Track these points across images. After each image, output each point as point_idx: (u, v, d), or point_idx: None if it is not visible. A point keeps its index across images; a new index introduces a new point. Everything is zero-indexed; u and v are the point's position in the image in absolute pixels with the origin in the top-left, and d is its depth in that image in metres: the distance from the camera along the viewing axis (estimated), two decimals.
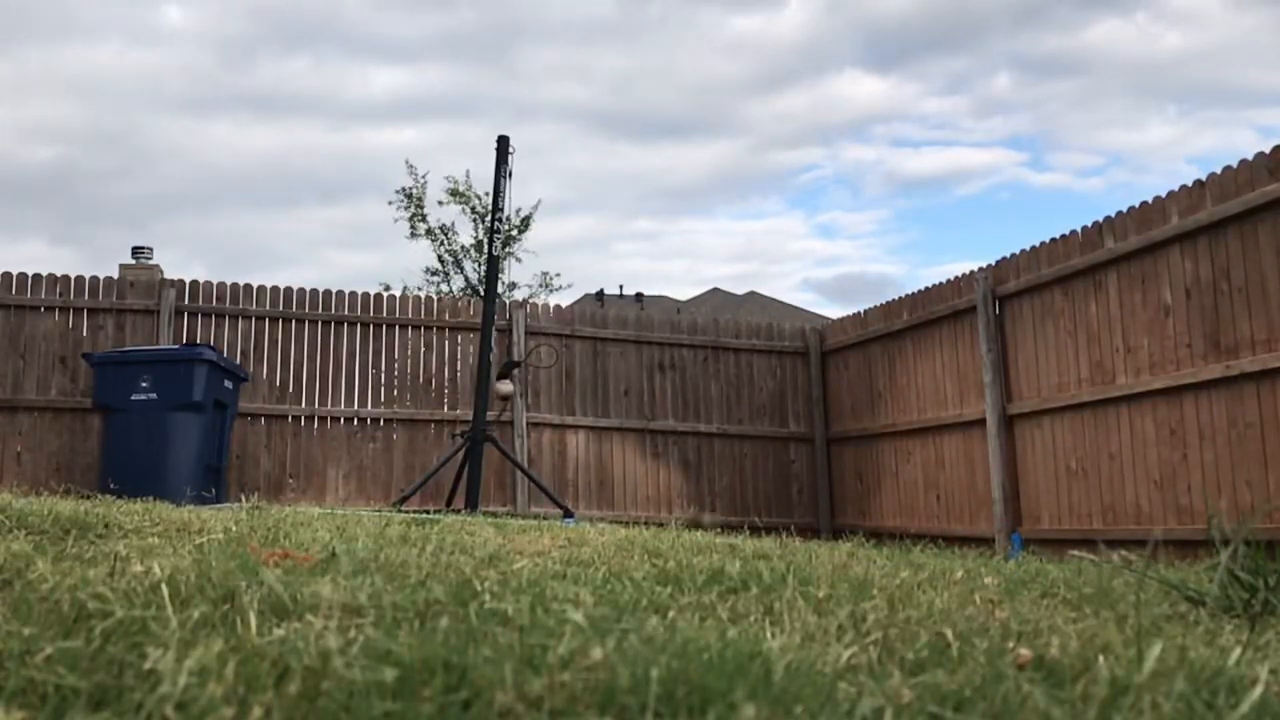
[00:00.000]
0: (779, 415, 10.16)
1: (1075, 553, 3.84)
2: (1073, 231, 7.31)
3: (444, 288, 22.48)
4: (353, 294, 9.14)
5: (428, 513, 5.83)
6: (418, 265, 35.71)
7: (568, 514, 7.33)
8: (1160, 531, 6.24)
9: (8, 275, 8.22)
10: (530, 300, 13.54)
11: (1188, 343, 6.28)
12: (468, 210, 22.01)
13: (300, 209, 63.91)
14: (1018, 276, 7.79)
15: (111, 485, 5.88)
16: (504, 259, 10.62)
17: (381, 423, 8.94)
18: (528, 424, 9.19)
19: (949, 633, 1.67)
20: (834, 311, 59.98)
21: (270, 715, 1.07)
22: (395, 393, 9.08)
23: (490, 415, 7.77)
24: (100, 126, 62.04)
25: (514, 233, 21.63)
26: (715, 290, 48.71)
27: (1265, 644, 1.82)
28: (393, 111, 58.61)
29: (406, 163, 29.46)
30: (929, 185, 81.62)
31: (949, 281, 8.60)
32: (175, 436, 7.10)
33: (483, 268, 18.68)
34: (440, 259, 22.53)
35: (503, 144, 7.68)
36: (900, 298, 9.27)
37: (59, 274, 8.33)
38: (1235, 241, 5.98)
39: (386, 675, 1.14)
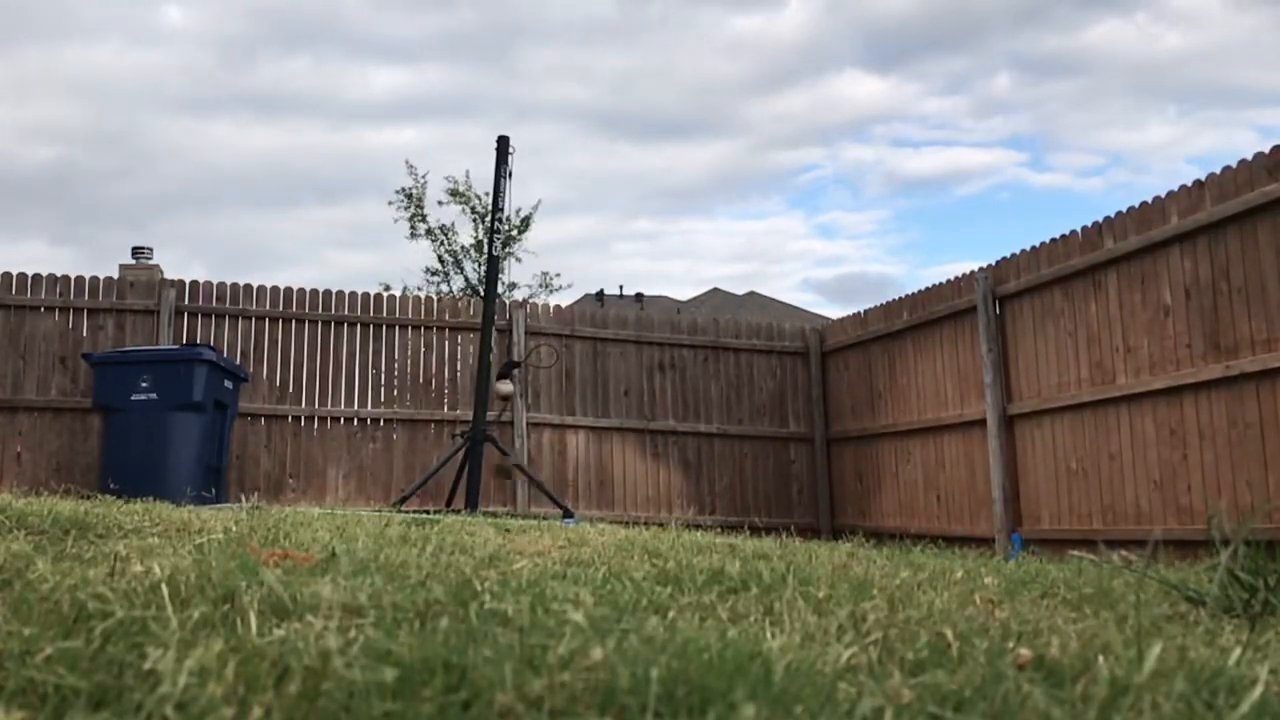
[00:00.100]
0: (779, 415, 10.16)
1: (1075, 553, 3.84)
2: (1073, 231, 7.31)
3: (444, 288, 22.49)
4: (353, 294, 9.14)
5: (428, 513, 5.83)
6: (418, 265, 35.71)
7: (568, 514, 7.33)
8: (1160, 532, 6.24)
9: (8, 275, 8.22)
10: (530, 300, 13.54)
11: (1187, 343, 6.28)
12: (468, 210, 22.03)
13: (300, 209, 63.91)
14: (1018, 276, 7.79)
15: (111, 485, 5.89)
16: (504, 259, 10.62)
17: (381, 423, 8.94)
18: (528, 424, 9.19)
19: (949, 633, 1.67)
20: (834, 312, 59.99)
21: (270, 715, 1.07)
22: (395, 393, 9.08)
23: (490, 415, 7.77)
24: (100, 126, 62.04)
25: (514, 233, 21.63)
26: (715, 290, 48.71)
27: (1265, 644, 1.82)
28: (393, 111, 58.64)
29: (406, 163, 29.49)
30: (929, 185, 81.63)
31: (949, 281, 8.60)
32: (175, 437, 7.10)
33: (483, 268, 18.68)
34: (440, 259, 22.54)
35: (503, 144, 7.68)
36: (900, 298, 9.28)
37: (59, 274, 8.34)
38: (1235, 241, 5.98)
39: (386, 675, 1.14)
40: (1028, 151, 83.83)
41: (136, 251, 9.31)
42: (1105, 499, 6.86)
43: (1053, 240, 7.49)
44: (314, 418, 8.77)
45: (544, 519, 6.46)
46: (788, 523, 8.34)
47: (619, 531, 4.27)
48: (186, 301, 8.58)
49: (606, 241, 70.88)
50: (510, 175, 7.65)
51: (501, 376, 8.02)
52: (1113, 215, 6.96)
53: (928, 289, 8.89)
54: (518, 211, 21.76)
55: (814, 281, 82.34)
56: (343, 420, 8.85)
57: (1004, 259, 7.99)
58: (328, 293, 9.05)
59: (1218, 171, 6.15)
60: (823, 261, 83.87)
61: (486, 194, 20.65)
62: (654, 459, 9.65)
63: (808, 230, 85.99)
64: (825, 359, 10.28)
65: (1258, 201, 5.79)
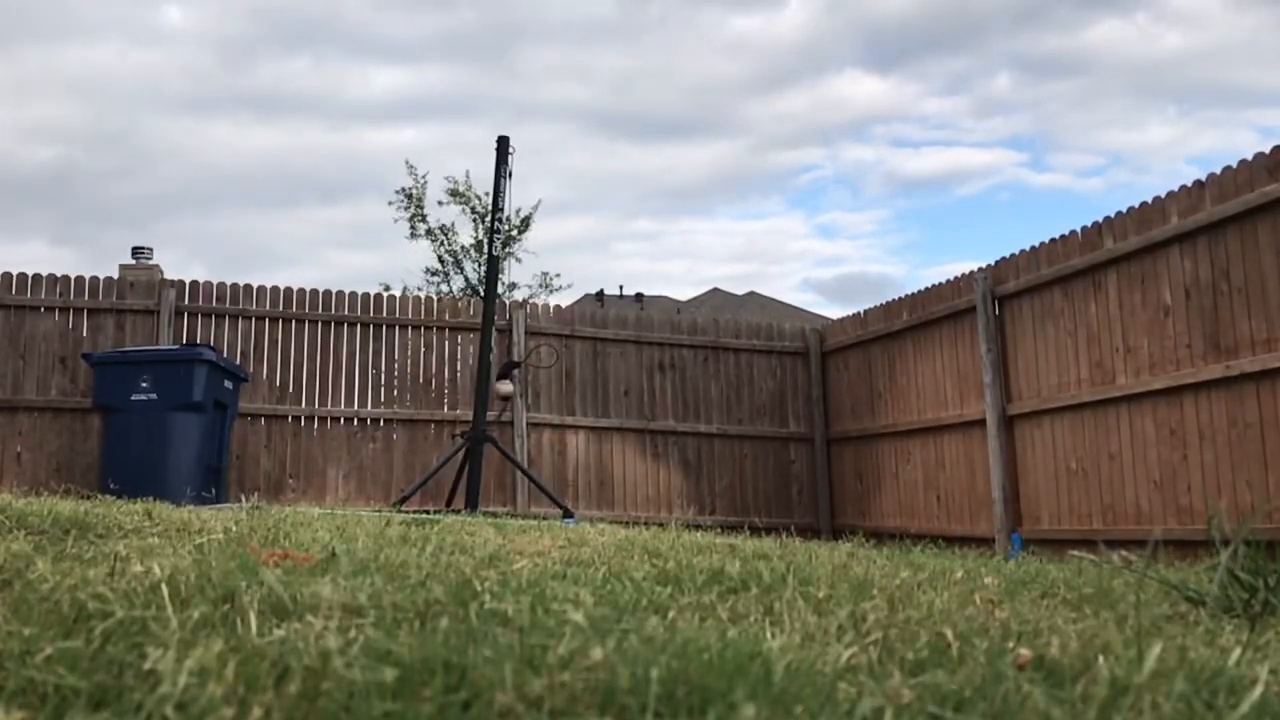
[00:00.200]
0: (779, 415, 10.16)
1: (1075, 553, 3.84)
2: (1072, 232, 7.31)
3: (444, 288, 22.50)
4: (353, 294, 9.14)
5: (428, 513, 5.83)
6: (418, 265, 35.74)
7: (568, 514, 7.33)
8: (1160, 532, 6.24)
9: (8, 275, 8.22)
10: (530, 300, 13.54)
11: (1187, 343, 6.28)
12: (468, 210, 22.04)
13: (300, 209, 63.91)
14: (1017, 276, 7.79)
15: (111, 485, 5.89)
16: (504, 259, 10.62)
17: (381, 423, 8.94)
18: (528, 424, 9.19)
19: (949, 633, 1.67)
20: (834, 312, 59.99)
21: (270, 715, 1.07)
22: (395, 393, 9.08)
23: (490, 415, 7.77)
24: (100, 126, 62.05)
25: (514, 233, 21.63)
26: (715, 290, 48.72)
27: (1265, 644, 1.82)
28: (393, 111, 58.64)
29: (406, 163, 29.51)
30: (929, 185, 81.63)
31: (949, 282, 8.60)
32: (175, 436, 7.10)
33: (483, 268, 18.68)
34: (440, 259, 22.55)
35: (503, 144, 7.68)
36: (900, 298, 9.28)
37: (59, 274, 8.34)
38: (1235, 242, 5.98)
39: (386, 675, 1.14)
40: (1028, 151, 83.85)
41: (136, 251, 9.31)
42: (1105, 499, 6.86)
43: (1052, 240, 7.49)
44: (314, 418, 8.77)
45: (544, 519, 6.46)
46: (788, 523, 8.34)
47: (619, 531, 4.27)
48: (186, 301, 8.58)
49: (606, 241, 70.89)
50: (510, 175, 7.65)
51: (501, 376, 8.02)
52: (1113, 215, 6.97)
53: (927, 289, 8.90)
54: (518, 211, 21.79)
55: (814, 281, 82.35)
56: (343, 420, 8.85)
57: (1004, 259, 7.99)
58: (328, 293, 9.05)
59: (1218, 171, 6.15)
60: (823, 262, 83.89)
61: (486, 194, 20.66)
62: (654, 459, 9.65)
63: (808, 230, 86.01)
64: (825, 359, 10.28)
65: (1258, 202, 5.79)
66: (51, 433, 8.08)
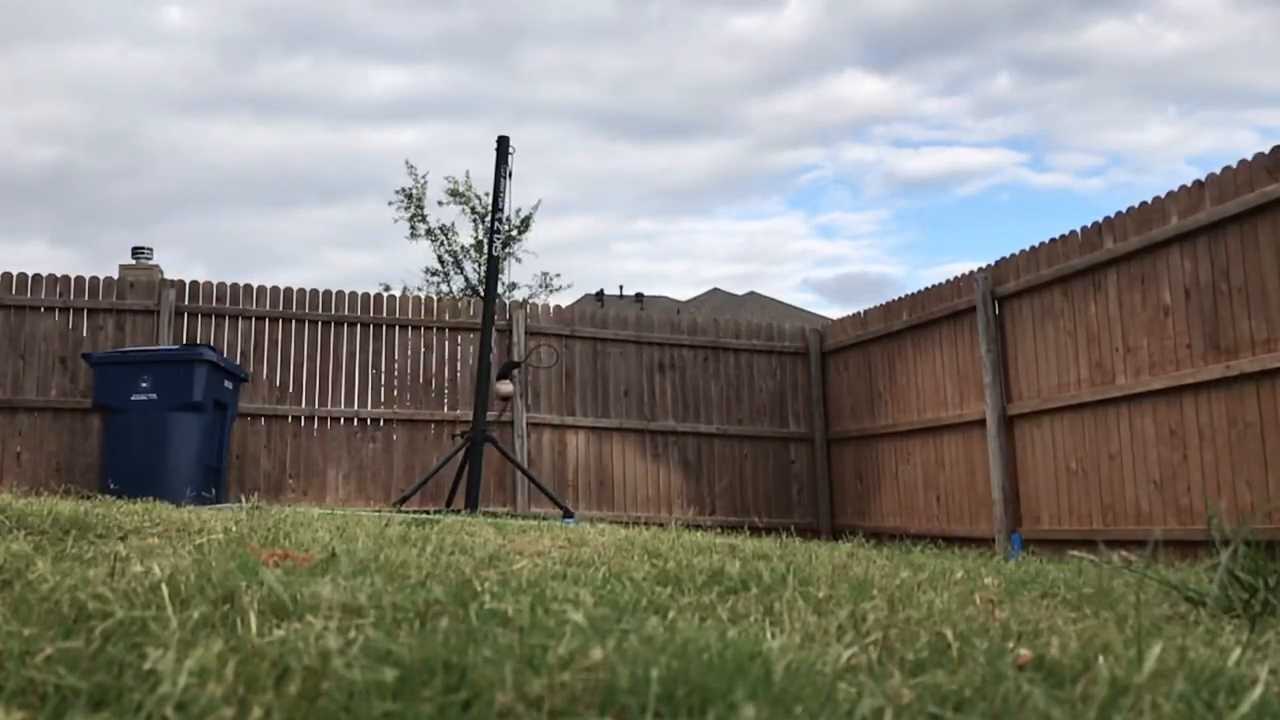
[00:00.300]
0: (779, 415, 10.16)
1: (1075, 553, 3.84)
2: (1072, 232, 7.31)
3: (444, 288, 22.50)
4: (353, 294, 9.14)
5: (428, 513, 5.83)
6: (418, 265, 35.73)
7: (568, 514, 7.33)
8: (1160, 532, 6.24)
9: (8, 275, 8.22)
10: (530, 300, 13.54)
11: (1187, 343, 6.28)
12: (468, 210, 22.04)
13: (300, 209, 63.89)
14: (1017, 277, 7.79)
15: (111, 485, 5.89)
16: (504, 259, 10.62)
17: (381, 423, 8.94)
18: (528, 424, 9.19)
19: (949, 633, 1.67)
20: (834, 312, 59.98)
21: (270, 715, 1.07)
22: (395, 393, 9.08)
23: (490, 415, 7.77)
24: (100, 126, 62.02)
25: (514, 233, 21.63)
26: (715, 290, 48.72)
27: (1265, 644, 1.82)
28: (393, 112, 58.60)
29: (406, 163, 29.47)
30: (929, 185, 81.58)
31: (949, 282, 8.60)
32: (175, 437, 7.10)
33: (483, 268, 18.68)
34: (440, 259, 22.55)
35: (503, 144, 7.68)
36: (900, 298, 9.28)
37: (59, 274, 8.34)
38: (1235, 242, 5.98)
39: (386, 675, 1.14)
40: (1028, 152, 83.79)
41: (136, 252, 9.31)
42: (1105, 499, 6.86)
43: (1052, 240, 7.49)
44: (314, 418, 8.77)
45: (544, 519, 6.46)
46: (788, 523, 8.34)
47: (619, 531, 4.27)
48: (186, 302, 8.58)
49: (606, 241, 70.87)
50: (510, 175, 7.65)
51: (501, 377, 8.02)
52: (1113, 215, 6.97)
53: (927, 289, 8.90)
54: (518, 211, 21.79)
55: (814, 282, 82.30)
56: (343, 420, 8.85)
57: (1003, 259, 7.99)
58: (328, 293, 9.05)
59: (1218, 172, 6.15)
60: (823, 262, 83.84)
61: (486, 194, 20.66)
62: (654, 459, 9.65)
63: (808, 230, 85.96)
64: (825, 359, 10.28)
65: (1257, 202, 5.79)
66: (51, 433, 8.08)
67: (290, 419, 8.72)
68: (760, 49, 68.33)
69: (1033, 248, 7.69)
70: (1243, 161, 5.99)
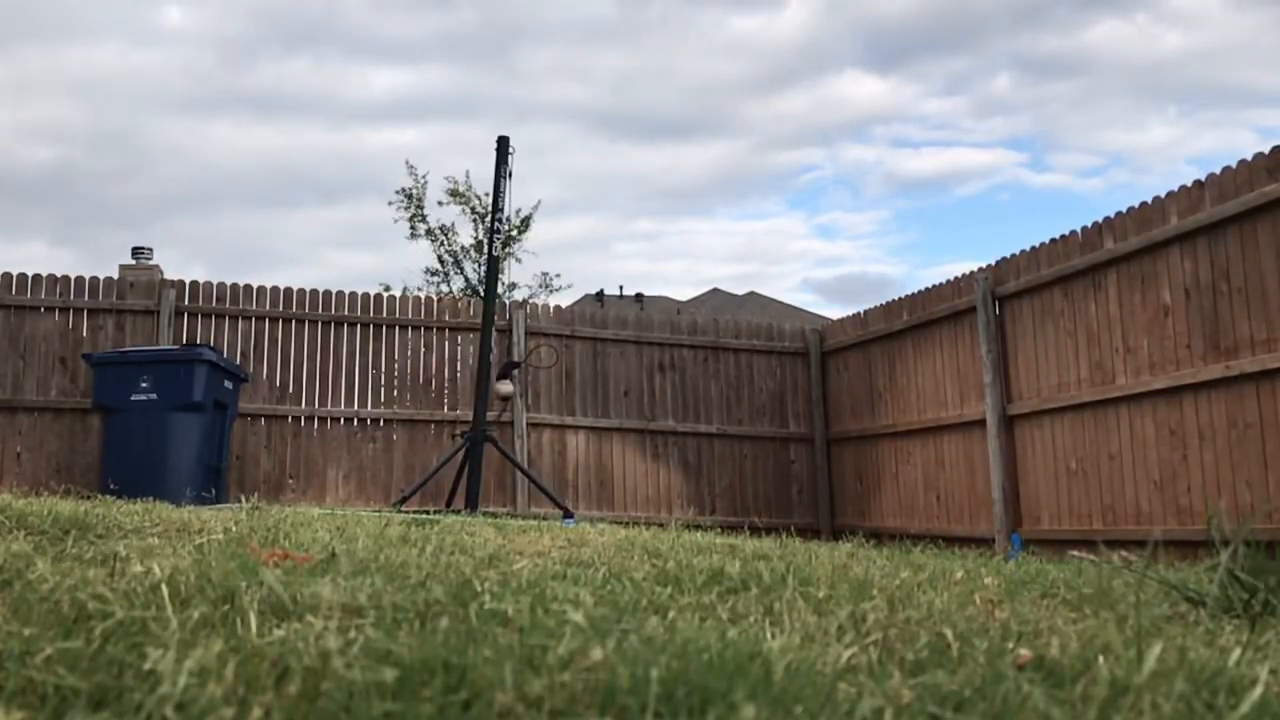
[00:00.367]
0: (779, 416, 10.16)
1: (1075, 553, 3.85)
2: (1072, 232, 7.31)
3: (444, 288, 22.49)
4: (353, 294, 9.14)
5: (428, 513, 5.83)
6: (418, 265, 35.77)
7: (568, 514, 7.33)
8: (1160, 532, 6.24)
9: (8, 275, 8.22)
10: (530, 300, 13.54)
11: (1187, 343, 6.28)
12: (468, 210, 22.03)
13: (300, 209, 63.90)
14: (1017, 277, 7.79)
15: (111, 485, 5.89)
16: (504, 259, 10.62)
17: (381, 423, 8.94)
18: (528, 424, 9.19)
19: (949, 633, 1.67)
20: (834, 312, 60.02)
21: (270, 715, 1.07)
22: (395, 393, 9.08)
23: (490, 415, 7.77)
24: (100, 127, 62.02)
25: (514, 233, 21.62)
26: (715, 291, 48.73)
27: (1265, 644, 1.82)
28: (393, 112, 58.61)
29: (406, 163, 29.46)
30: (929, 186, 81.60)
31: (949, 282, 8.60)
32: (175, 437, 7.09)
33: (483, 268, 18.68)
34: (440, 259, 22.55)
35: (503, 144, 7.68)
36: (900, 298, 9.28)
37: (59, 274, 8.34)
38: (1235, 242, 5.98)
39: (386, 675, 1.14)
40: (1028, 152, 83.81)
41: (136, 252, 9.30)
42: (1105, 499, 6.86)
43: (1052, 240, 7.49)
44: (314, 418, 8.77)
45: (544, 519, 6.46)
46: (788, 523, 8.34)
47: (619, 532, 4.27)
48: (186, 302, 8.58)
49: (606, 242, 70.89)
50: (510, 175, 7.65)
51: (501, 377, 8.02)
52: (1113, 215, 6.97)
53: (927, 289, 8.90)
54: (518, 212, 21.78)
55: (814, 282, 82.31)
56: (343, 420, 8.85)
57: (1004, 259, 7.99)
58: (328, 293, 9.06)
59: (1218, 172, 6.15)
60: (823, 262, 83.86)
61: (486, 194, 20.66)
62: (654, 459, 9.65)
63: (808, 230, 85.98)
64: (825, 359, 10.28)
65: (1257, 202, 5.79)
66: (51, 433, 8.08)
67: (290, 419, 8.72)
68: (760, 49, 68.35)
69: (1033, 248, 7.69)
70: (1243, 162, 5.99)
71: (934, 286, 8.81)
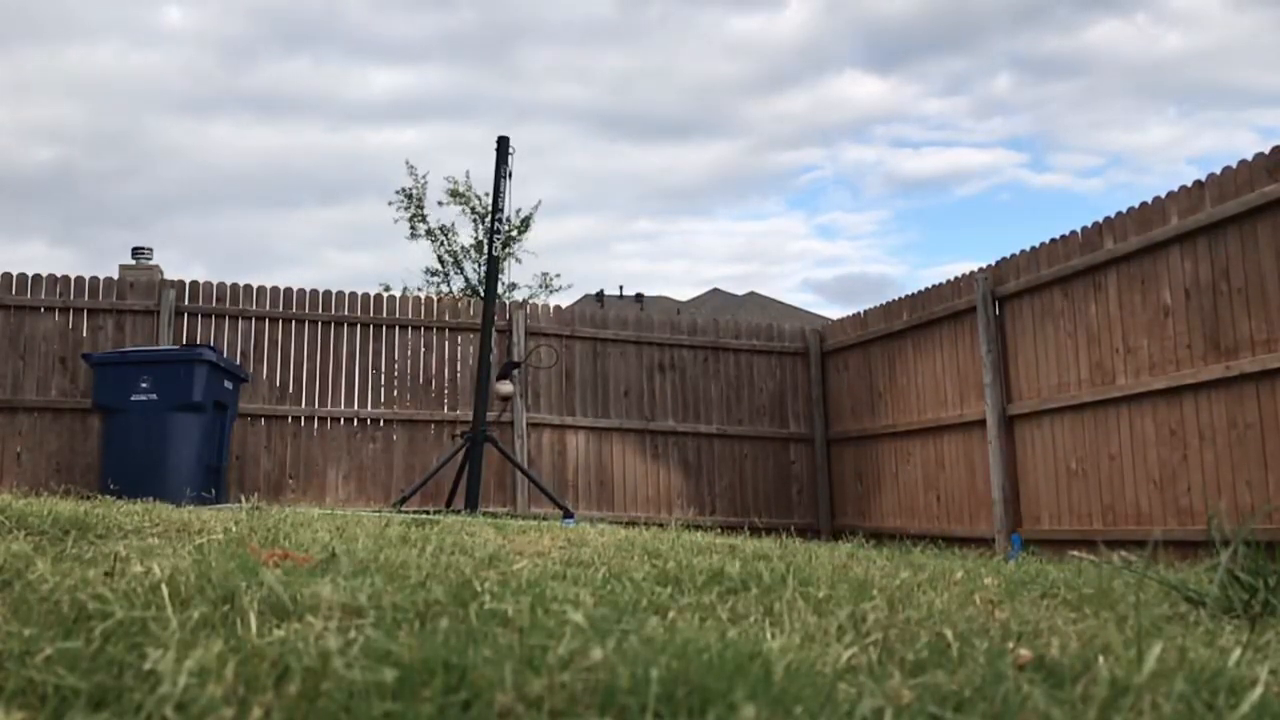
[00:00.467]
0: (779, 416, 10.16)
1: (1075, 553, 3.84)
2: (1072, 232, 7.31)
3: (444, 288, 22.48)
4: (353, 294, 9.14)
5: (428, 513, 5.83)
6: (418, 265, 35.76)
7: (568, 514, 7.32)
8: (1160, 532, 6.24)
9: (8, 275, 8.22)
10: (530, 301, 13.54)
11: (1187, 343, 6.28)
12: (468, 211, 22.02)
13: (300, 209, 63.91)
14: (1017, 277, 7.79)
15: (111, 486, 5.88)
16: (504, 259, 10.62)
17: (381, 423, 8.94)
18: (528, 424, 9.19)
19: (949, 633, 1.67)
20: (834, 312, 60.00)
21: (270, 715, 1.07)
22: (395, 393, 9.08)
23: (490, 416, 7.77)
24: (100, 127, 62.04)
25: (514, 233, 21.61)
26: (715, 291, 48.72)
27: (1265, 644, 1.82)
28: (393, 112, 58.64)
29: (406, 163, 29.42)
30: (929, 186, 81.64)
31: (949, 282, 8.60)
32: (175, 437, 7.09)
33: (483, 268, 18.68)
34: (440, 259, 22.54)
35: (503, 144, 7.68)
36: (900, 298, 9.28)
37: (59, 274, 8.34)
38: (1235, 242, 5.98)
39: (386, 676, 1.14)
40: (1028, 152, 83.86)
41: (136, 252, 9.30)
42: (1105, 499, 6.86)
43: (1052, 240, 7.49)
44: (314, 418, 8.77)
45: (544, 519, 6.46)
46: (788, 523, 8.34)
47: (619, 532, 4.27)
48: (186, 302, 8.58)
49: (606, 242, 70.90)
50: (510, 175, 7.65)
51: (501, 377, 8.02)
52: (1113, 215, 6.96)
53: (927, 289, 8.89)
54: (518, 212, 21.77)
55: (814, 282, 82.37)
56: (343, 420, 8.85)
57: (1004, 259, 7.99)
58: (328, 293, 9.05)
59: (1218, 172, 6.15)
60: (823, 262, 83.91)
61: (486, 194, 20.66)
62: (654, 459, 9.65)
63: (808, 231, 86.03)
64: (825, 359, 10.28)
65: (1257, 202, 5.79)
66: (51, 433, 8.08)
67: (290, 419, 8.72)
68: (760, 49, 68.33)
69: (1033, 248, 7.69)
70: (1243, 162, 5.99)
71: (934, 287, 8.81)
